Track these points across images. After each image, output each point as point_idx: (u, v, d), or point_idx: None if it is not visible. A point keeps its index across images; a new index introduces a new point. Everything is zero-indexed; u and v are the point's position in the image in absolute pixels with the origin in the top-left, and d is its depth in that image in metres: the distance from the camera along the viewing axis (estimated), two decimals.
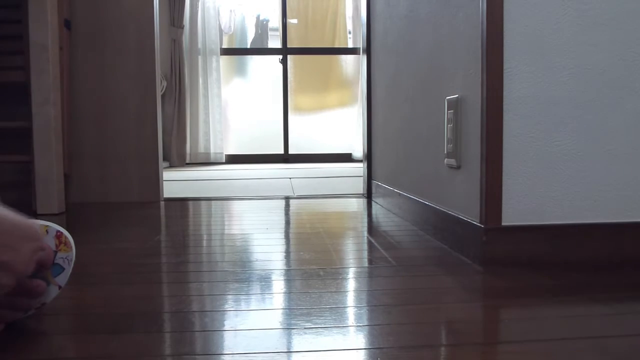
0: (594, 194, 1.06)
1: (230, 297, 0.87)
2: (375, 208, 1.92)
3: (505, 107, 1.04)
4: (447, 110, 1.24)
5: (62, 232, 0.77)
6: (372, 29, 2.19)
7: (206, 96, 4.60)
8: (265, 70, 4.79)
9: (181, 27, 4.47)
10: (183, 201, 2.23)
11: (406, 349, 0.64)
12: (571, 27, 1.04)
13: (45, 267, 0.74)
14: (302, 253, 1.19)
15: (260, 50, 4.88)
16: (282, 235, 1.44)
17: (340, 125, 4.81)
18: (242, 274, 1.01)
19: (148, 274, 1.03)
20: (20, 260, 0.64)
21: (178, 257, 1.17)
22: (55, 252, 0.75)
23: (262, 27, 4.94)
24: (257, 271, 1.03)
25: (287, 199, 2.26)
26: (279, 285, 0.95)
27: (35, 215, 1.85)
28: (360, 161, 4.39)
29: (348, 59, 4.87)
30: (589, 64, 1.04)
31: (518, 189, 1.05)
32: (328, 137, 4.79)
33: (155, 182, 2.24)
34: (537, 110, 1.05)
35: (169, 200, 2.26)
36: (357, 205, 2.04)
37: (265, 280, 0.97)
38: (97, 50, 2.19)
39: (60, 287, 0.77)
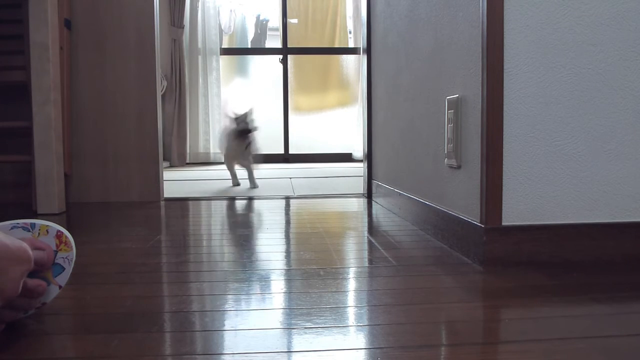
0: (594, 194, 1.06)
1: (230, 297, 0.87)
2: (376, 208, 1.92)
3: (505, 106, 1.04)
4: (448, 110, 1.24)
5: (62, 232, 0.77)
6: (372, 28, 2.19)
7: (206, 96, 4.60)
8: (265, 70, 4.79)
9: (181, 27, 4.47)
10: (183, 201, 2.23)
11: (406, 349, 0.64)
12: (571, 27, 1.04)
13: (45, 267, 0.74)
14: (302, 253, 1.19)
15: (260, 50, 4.89)
16: (283, 235, 1.44)
17: (340, 125, 4.81)
18: (242, 274, 1.01)
19: (148, 274, 1.03)
20: (7, 283, 0.64)
21: (178, 257, 1.17)
22: (56, 252, 0.76)
23: (262, 27, 4.94)
24: (257, 271, 1.03)
25: (287, 198, 2.26)
26: (279, 285, 0.95)
27: (35, 215, 1.86)
28: (361, 161, 4.39)
29: (348, 59, 4.87)
30: (589, 64, 1.05)
31: (518, 189, 1.05)
32: (328, 137, 4.79)
33: (156, 182, 2.24)
34: (537, 110, 1.05)
35: (169, 200, 2.26)
36: (357, 205, 2.04)
37: (265, 280, 0.97)
38: (97, 50, 2.20)
39: (60, 287, 0.77)
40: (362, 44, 2.33)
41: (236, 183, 2.77)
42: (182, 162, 4.52)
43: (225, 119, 2.72)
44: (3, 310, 0.69)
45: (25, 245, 0.68)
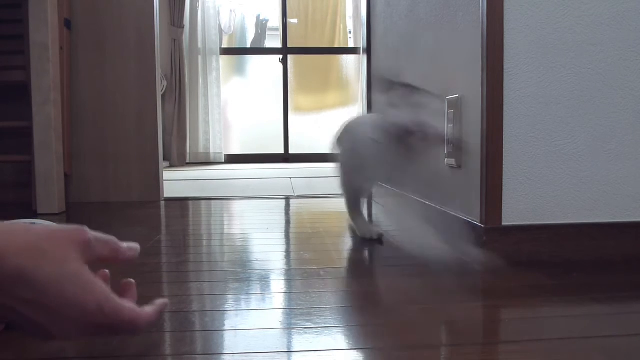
0: (594, 194, 1.06)
1: (230, 296, 0.87)
2: (376, 208, 1.92)
3: (505, 106, 1.04)
4: (448, 110, 1.24)
5: None
6: (372, 28, 2.19)
7: (206, 96, 4.60)
8: (265, 70, 4.79)
9: (181, 26, 4.47)
10: (183, 201, 2.23)
11: (406, 349, 0.64)
12: (571, 27, 1.04)
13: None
14: (302, 253, 1.19)
15: (260, 50, 4.88)
16: (283, 235, 1.44)
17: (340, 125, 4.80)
18: (243, 273, 1.01)
19: (148, 274, 1.03)
20: (57, 329, 0.55)
21: (178, 257, 1.17)
22: None
23: (262, 27, 4.94)
24: (257, 271, 1.03)
25: (287, 198, 2.26)
26: (279, 285, 0.95)
27: (35, 215, 1.86)
28: None
29: (348, 59, 4.86)
30: (589, 63, 1.04)
31: (518, 189, 1.05)
32: (328, 137, 4.79)
33: (156, 182, 2.24)
34: (537, 110, 1.05)
35: (169, 200, 2.26)
36: None
37: (265, 280, 0.97)
38: (97, 50, 2.19)
39: None
40: (362, 44, 2.33)
41: (370, 233, 1.30)
42: (182, 162, 4.52)
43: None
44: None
45: (106, 301, 0.55)
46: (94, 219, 1.77)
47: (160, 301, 0.63)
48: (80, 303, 0.54)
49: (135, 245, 0.63)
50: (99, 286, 0.56)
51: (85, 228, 0.57)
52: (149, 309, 0.60)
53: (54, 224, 0.76)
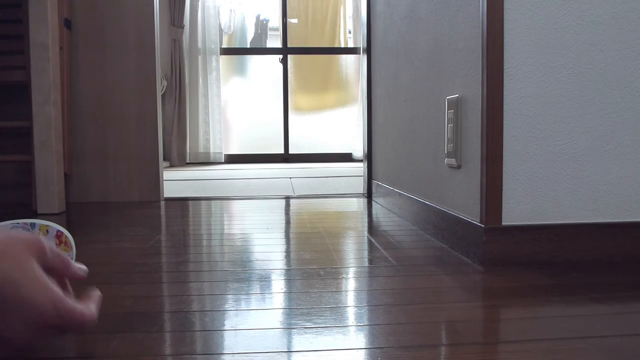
0: (594, 194, 1.06)
1: (230, 296, 0.87)
2: (376, 208, 1.92)
3: (505, 106, 1.04)
4: (448, 110, 1.24)
5: (62, 232, 0.77)
6: (372, 28, 2.19)
7: (206, 96, 4.60)
8: (265, 70, 4.79)
9: (181, 26, 4.47)
10: (183, 201, 2.23)
11: (406, 349, 0.64)
12: (571, 27, 1.04)
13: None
14: (302, 252, 1.19)
15: (260, 50, 4.89)
16: (283, 235, 1.44)
17: (340, 125, 4.81)
18: (243, 273, 1.01)
19: (148, 273, 1.03)
20: (11, 331, 0.57)
21: (178, 257, 1.17)
22: None
23: (262, 27, 4.94)
24: (257, 271, 1.03)
25: (287, 198, 2.26)
26: (279, 284, 0.95)
27: (35, 215, 1.86)
28: (361, 161, 4.39)
29: (348, 59, 4.87)
30: (589, 63, 1.05)
31: (518, 188, 1.05)
32: (328, 137, 4.79)
33: (156, 182, 2.24)
34: (537, 110, 1.05)
35: (169, 199, 2.26)
36: (357, 204, 2.04)
37: (265, 280, 0.97)
38: (97, 50, 2.20)
39: None
40: (362, 44, 2.33)
41: None
42: (182, 162, 4.52)
43: None
44: None
45: (56, 299, 0.57)
46: (94, 219, 1.77)
47: (95, 295, 0.65)
48: (37, 304, 0.56)
49: (84, 267, 0.66)
50: (54, 288, 0.58)
51: (42, 238, 0.60)
52: (92, 307, 0.62)
53: (53, 223, 0.77)
